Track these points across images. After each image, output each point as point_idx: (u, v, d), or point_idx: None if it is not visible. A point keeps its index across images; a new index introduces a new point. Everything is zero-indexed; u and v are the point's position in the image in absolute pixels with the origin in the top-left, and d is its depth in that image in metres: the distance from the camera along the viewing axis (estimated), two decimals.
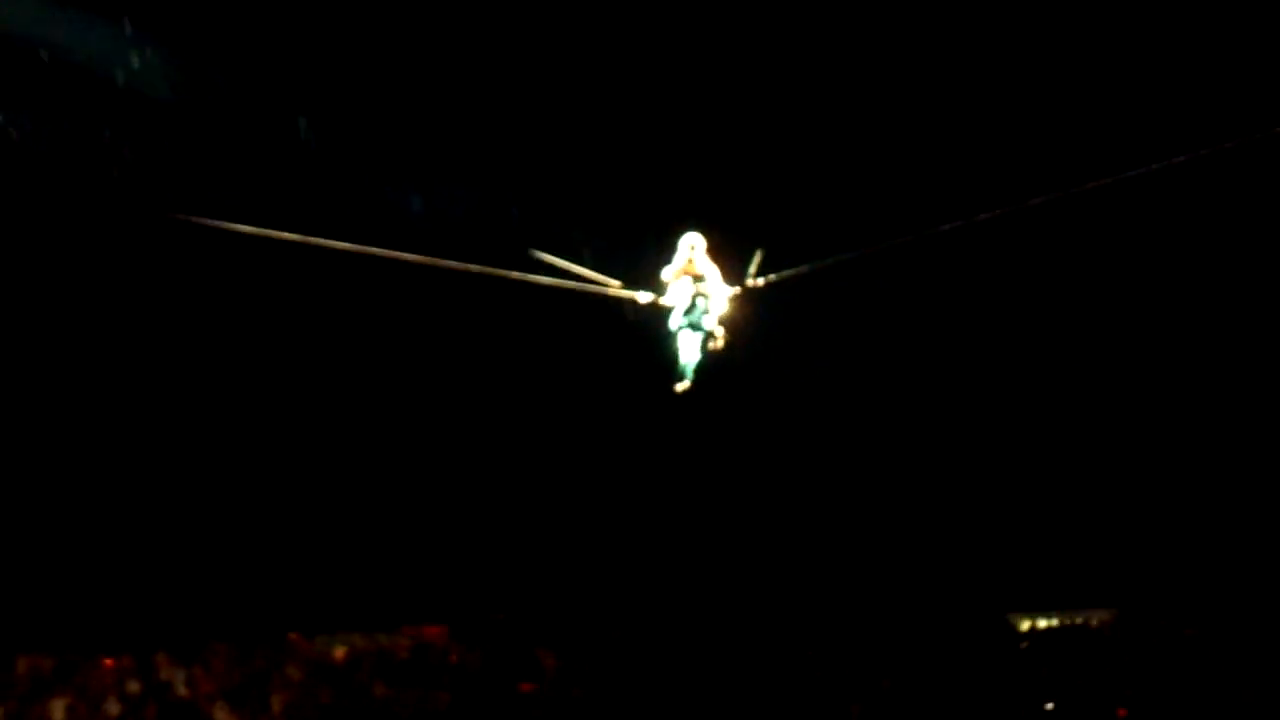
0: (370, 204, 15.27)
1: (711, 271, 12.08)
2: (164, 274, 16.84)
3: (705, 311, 11.91)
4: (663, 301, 11.98)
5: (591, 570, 19.26)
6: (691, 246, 12.03)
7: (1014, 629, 18.93)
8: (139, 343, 17.58)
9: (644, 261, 12.15)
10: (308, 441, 18.12)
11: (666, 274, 12.04)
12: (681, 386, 11.81)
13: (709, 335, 11.88)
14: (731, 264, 12.19)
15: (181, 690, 17.59)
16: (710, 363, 11.84)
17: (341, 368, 17.79)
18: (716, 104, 16.03)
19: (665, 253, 12.25)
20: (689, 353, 11.84)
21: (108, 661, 17.42)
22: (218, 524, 18.38)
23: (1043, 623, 18.90)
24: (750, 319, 12.25)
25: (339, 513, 18.77)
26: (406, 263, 11.58)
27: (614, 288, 11.91)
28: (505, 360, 17.84)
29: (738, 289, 12.02)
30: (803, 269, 11.86)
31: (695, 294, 11.99)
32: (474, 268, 11.57)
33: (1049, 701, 17.26)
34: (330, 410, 18.03)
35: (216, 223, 11.31)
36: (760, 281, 11.96)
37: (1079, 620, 18.75)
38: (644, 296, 11.99)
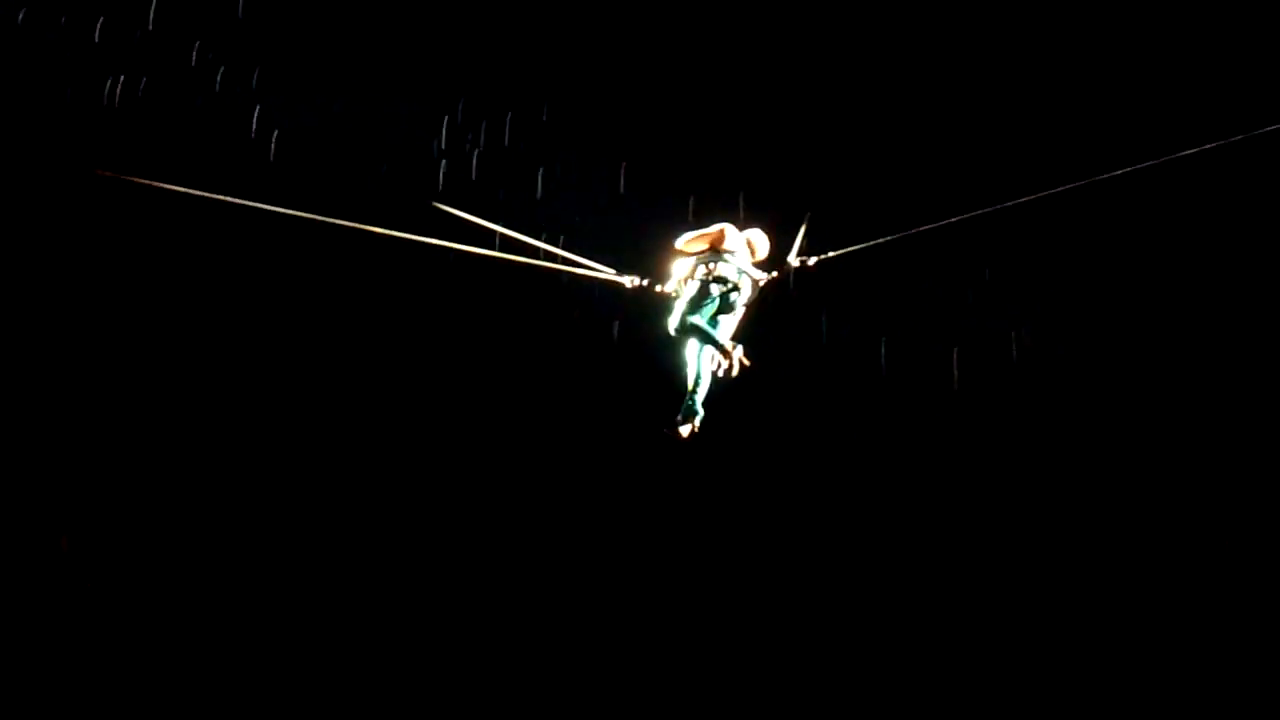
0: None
1: (743, 251, 7.95)
2: None
3: (722, 308, 7.77)
4: (662, 289, 7.82)
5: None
6: (745, 241, 8.11)
7: None
8: None
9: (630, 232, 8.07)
10: None
11: (679, 242, 7.97)
12: (685, 429, 7.65)
13: (721, 349, 7.71)
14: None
15: None
16: (728, 389, 7.66)
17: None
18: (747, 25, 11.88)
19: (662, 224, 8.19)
20: (697, 374, 7.72)
21: None
22: None
23: None
24: (795, 317, 8.18)
25: None
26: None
27: (586, 267, 7.79)
28: (427, 368, 13.50)
29: (772, 274, 7.89)
30: (875, 242, 7.75)
31: (710, 278, 7.81)
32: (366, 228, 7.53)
33: None
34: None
35: None
36: (811, 261, 7.81)
37: None
38: (632, 281, 7.82)
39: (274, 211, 7.92)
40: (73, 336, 13.50)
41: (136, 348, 13.48)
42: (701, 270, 7.81)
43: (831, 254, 7.85)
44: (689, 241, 7.91)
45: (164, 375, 13.63)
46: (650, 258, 8.14)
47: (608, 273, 7.92)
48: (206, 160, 11.63)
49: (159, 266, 13.20)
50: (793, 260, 7.86)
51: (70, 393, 13.72)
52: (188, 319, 13.30)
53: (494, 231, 7.74)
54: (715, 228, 7.96)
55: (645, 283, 7.82)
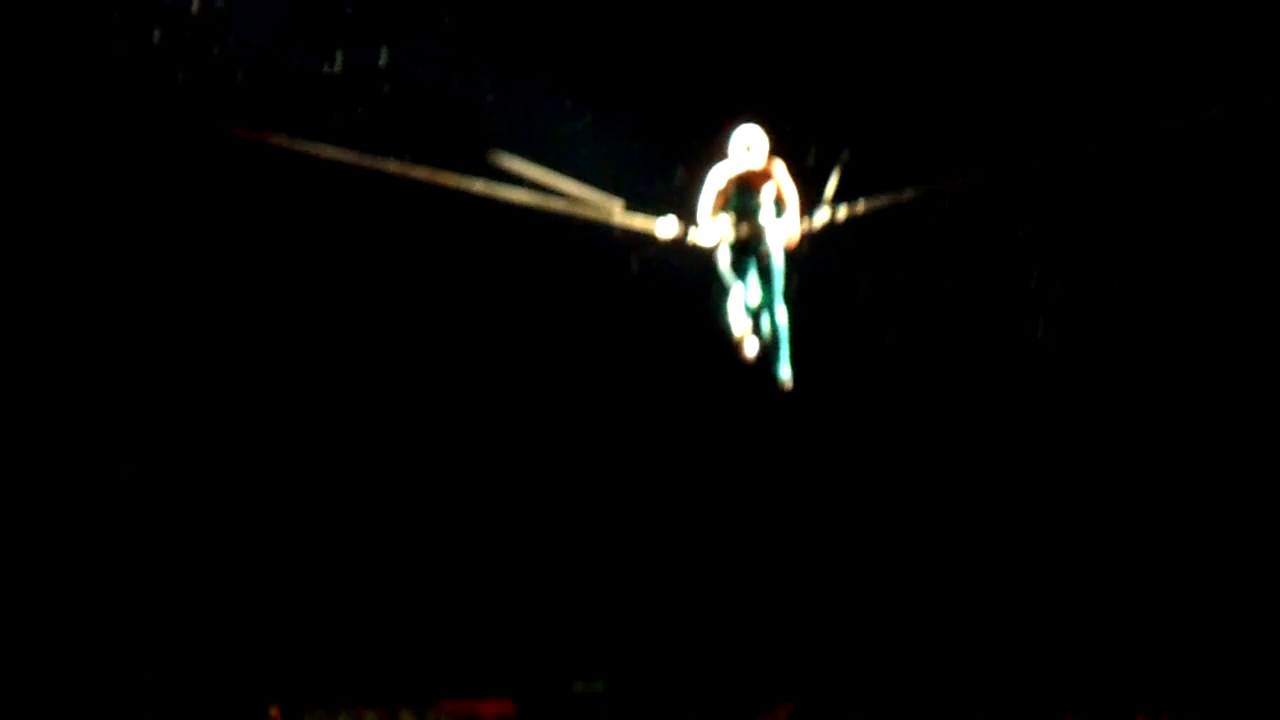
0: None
1: (786, 187, 7.76)
2: None
3: (764, 251, 7.67)
4: (696, 237, 7.75)
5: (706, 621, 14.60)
6: (747, 146, 7.70)
7: None
8: None
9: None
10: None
11: (710, 190, 7.73)
12: (784, 378, 7.56)
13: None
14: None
15: None
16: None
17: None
18: None
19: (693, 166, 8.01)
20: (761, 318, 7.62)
21: None
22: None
23: None
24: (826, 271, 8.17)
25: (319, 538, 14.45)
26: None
27: (612, 211, 7.68)
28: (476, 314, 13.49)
29: (806, 222, 7.79)
30: (917, 191, 7.66)
31: (746, 226, 7.71)
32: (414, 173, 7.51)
33: None
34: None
35: None
36: (842, 212, 7.69)
37: None
38: (666, 227, 7.74)
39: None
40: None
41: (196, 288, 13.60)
42: (734, 221, 7.65)
43: (863, 204, 7.73)
44: (715, 192, 7.59)
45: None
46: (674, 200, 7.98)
47: (635, 215, 7.73)
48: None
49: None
50: (822, 212, 7.75)
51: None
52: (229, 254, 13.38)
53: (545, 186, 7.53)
54: (737, 166, 7.57)
55: (681, 231, 7.66)
